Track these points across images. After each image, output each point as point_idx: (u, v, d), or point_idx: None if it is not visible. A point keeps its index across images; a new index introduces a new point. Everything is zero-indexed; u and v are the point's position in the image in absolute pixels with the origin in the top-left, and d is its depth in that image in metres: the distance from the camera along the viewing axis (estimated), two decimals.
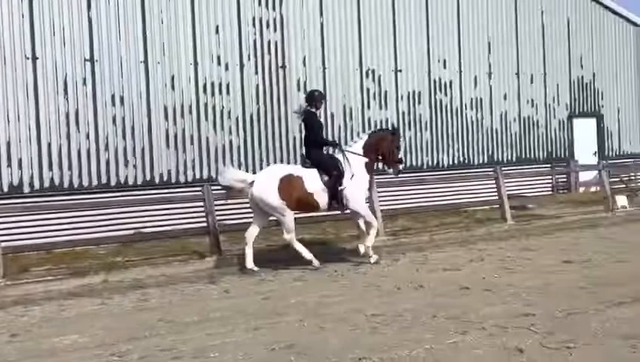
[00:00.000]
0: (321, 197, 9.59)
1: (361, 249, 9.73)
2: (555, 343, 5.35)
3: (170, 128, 14.16)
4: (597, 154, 20.12)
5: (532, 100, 19.04)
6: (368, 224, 9.83)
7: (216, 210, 11.30)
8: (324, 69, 15.88)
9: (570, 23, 19.75)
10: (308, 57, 15.70)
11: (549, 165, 19.14)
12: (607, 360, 4.92)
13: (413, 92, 17.09)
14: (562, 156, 19.57)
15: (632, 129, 21.13)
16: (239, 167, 14.75)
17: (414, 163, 16.97)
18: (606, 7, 20.53)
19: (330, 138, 10.60)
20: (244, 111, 14.99)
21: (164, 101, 14.11)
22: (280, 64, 15.40)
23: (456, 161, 17.70)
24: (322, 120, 10.98)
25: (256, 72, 15.14)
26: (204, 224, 11.19)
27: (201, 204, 11.36)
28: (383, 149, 10.03)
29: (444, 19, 17.51)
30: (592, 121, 20.23)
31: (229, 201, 12.14)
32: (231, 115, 14.83)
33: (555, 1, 19.50)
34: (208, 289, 8.57)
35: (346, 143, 11.40)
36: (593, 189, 18.14)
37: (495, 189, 14.54)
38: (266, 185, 9.47)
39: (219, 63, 14.70)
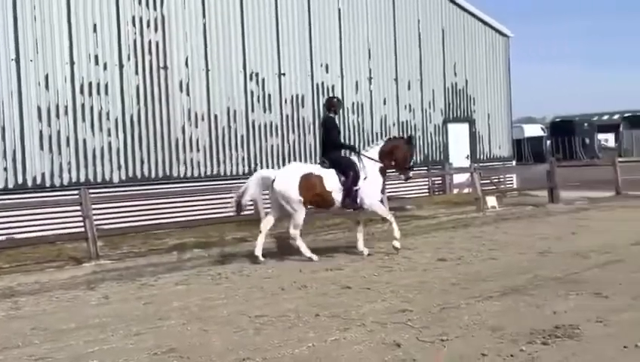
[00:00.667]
0: (337, 196, 10.24)
1: (364, 250, 10.46)
2: (430, 336, 5.61)
3: (44, 129, 13.55)
4: (469, 158, 21.19)
5: (410, 105, 19.79)
6: (385, 219, 10.76)
7: (94, 214, 10.92)
8: (207, 70, 15.75)
9: (444, 32, 20.71)
10: (190, 58, 15.52)
11: (425, 168, 19.93)
12: (476, 350, 5.22)
13: (297, 96, 17.29)
14: (438, 159, 20.46)
15: (501, 134, 22.42)
16: (119, 170, 14.37)
17: None
18: (478, 19, 21.68)
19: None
20: (124, 112, 14.59)
21: (38, 101, 13.47)
22: (161, 65, 15.13)
23: None
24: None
25: (137, 73, 14.79)
26: (82, 229, 10.79)
27: (78, 208, 10.95)
28: (396, 156, 10.69)
29: (325, 24, 17.84)
30: (465, 126, 21.30)
31: (107, 205, 11.77)
32: (110, 116, 14.39)
33: (431, 11, 20.39)
34: (86, 296, 8.26)
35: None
36: (466, 191, 19.05)
37: None
38: (287, 181, 10.12)
39: (97, 63, 14.23)
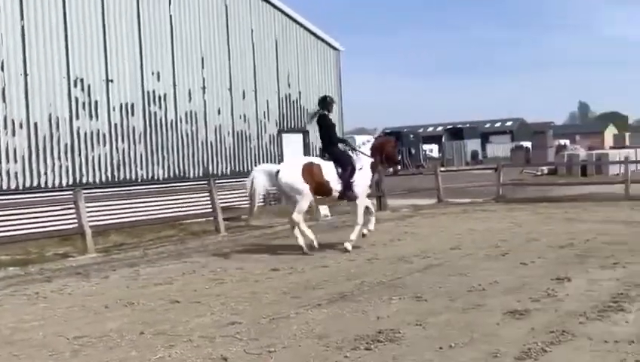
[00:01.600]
0: (335, 186, 11.16)
1: (366, 232, 11.49)
2: (257, 349, 5.55)
3: None
4: None
5: (245, 115, 19.77)
6: (368, 209, 11.66)
7: None
8: (26, 75, 14.68)
9: (278, 43, 20.96)
10: (6, 62, 14.39)
11: None
12: (302, 359, 5.24)
13: (126, 103, 16.63)
14: None
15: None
16: None
17: (127, 176, 16.51)
18: (310, 32, 22.19)
19: None
20: None
21: None
22: None
23: (171, 174, 17.61)
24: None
25: None
26: None
27: None
28: (386, 151, 11.79)
29: (156, 30, 17.36)
30: (299, 136, 21.67)
31: None
32: None
33: (264, 22, 20.54)
34: None
35: None
36: None
37: (210, 202, 14.80)
38: (291, 171, 10.98)
39: None
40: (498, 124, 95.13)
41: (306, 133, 21.81)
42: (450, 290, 7.54)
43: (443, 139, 60.47)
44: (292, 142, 21.30)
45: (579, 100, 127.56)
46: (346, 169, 11.19)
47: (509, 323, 6.05)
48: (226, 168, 19.14)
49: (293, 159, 11.87)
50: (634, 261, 8.82)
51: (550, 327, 5.76)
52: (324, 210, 16.50)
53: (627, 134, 46.65)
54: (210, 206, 14.76)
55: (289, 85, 21.30)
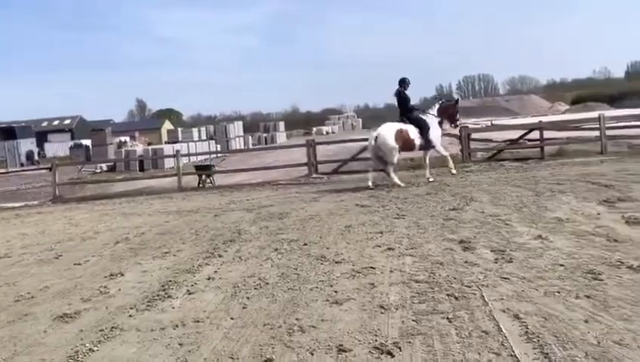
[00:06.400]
0: (417, 141, 15.12)
1: (430, 177, 15.29)
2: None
3: None
4: None
5: None
6: (445, 157, 15.84)
7: None
8: None
9: None
10: None
11: None
12: None
13: None
14: None
15: None
16: None
17: None
18: None
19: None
20: None
21: None
22: None
23: None
24: None
25: None
26: None
27: None
28: (449, 113, 15.80)
29: None
30: None
31: None
32: None
33: None
34: None
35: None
36: None
37: None
38: (387, 135, 14.87)
39: None
40: (56, 122, 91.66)
41: None
42: None
43: None
44: None
45: (136, 98, 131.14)
46: (422, 128, 15.11)
47: (57, 328, 5.77)
48: None
49: (388, 125, 15.14)
50: (183, 248, 9.33)
51: (100, 326, 5.68)
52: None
53: (180, 130, 49.55)
54: None
55: None
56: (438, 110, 15.77)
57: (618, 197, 10.14)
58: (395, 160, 15.13)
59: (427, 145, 15.42)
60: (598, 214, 8.91)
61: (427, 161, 15.78)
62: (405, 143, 15.07)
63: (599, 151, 18.36)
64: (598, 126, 18.79)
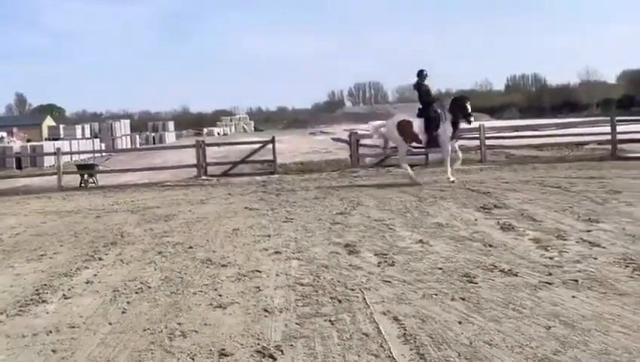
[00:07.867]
0: (423, 136, 15.03)
1: (450, 177, 14.67)
2: None
3: None
4: None
5: None
6: (444, 160, 15.23)
7: None
8: None
9: None
10: None
11: None
12: None
13: None
14: None
15: None
16: None
17: None
18: None
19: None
20: None
21: None
22: None
23: None
24: None
25: None
26: None
27: None
28: (460, 109, 14.84)
29: None
30: None
31: None
32: None
33: None
34: None
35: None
36: None
37: None
38: (390, 126, 15.48)
39: None
40: None
41: None
42: None
43: None
44: None
45: (16, 92, 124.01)
46: (430, 123, 14.70)
47: None
48: None
49: (394, 117, 15.64)
50: (61, 251, 8.93)
51: None
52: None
53: (62, 126, 47.39)
54: None
55: None
56: (450, 107, 14.97)
57: (494, 204, 10.70)
58: (403, 150, 15.54)
59: (433, 141, 15.04)
60: (476, 220, 9.36)
61: (448, 159, 14.99)
62: (408, 136, 15.12)
63: (479, 159, 19.25)
64: (478, 136, 19.70)
